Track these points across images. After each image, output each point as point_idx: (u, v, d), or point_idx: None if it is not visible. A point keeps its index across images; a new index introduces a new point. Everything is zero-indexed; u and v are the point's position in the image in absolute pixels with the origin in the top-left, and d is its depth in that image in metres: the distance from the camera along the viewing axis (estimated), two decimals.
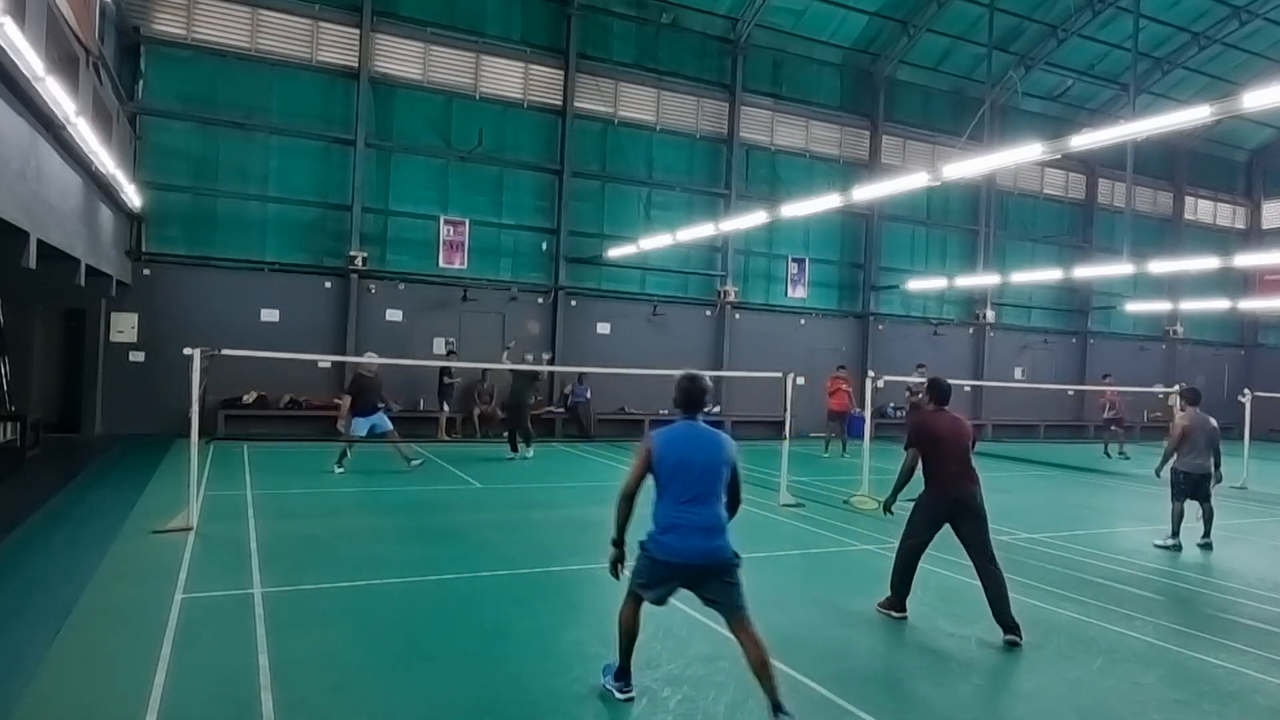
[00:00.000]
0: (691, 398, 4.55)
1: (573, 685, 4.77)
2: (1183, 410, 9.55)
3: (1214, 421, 9.28)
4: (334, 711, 4.31)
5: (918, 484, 6.29)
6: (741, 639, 4.35)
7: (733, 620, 4.39)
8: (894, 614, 6.23)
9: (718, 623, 5.85)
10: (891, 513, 6.57)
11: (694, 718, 4.41)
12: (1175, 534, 9.19)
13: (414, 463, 12.69)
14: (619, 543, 4.54)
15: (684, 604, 6.32)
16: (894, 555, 6.29)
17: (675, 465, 4.36)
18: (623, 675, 4.62)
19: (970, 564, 6.11)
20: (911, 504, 6.37)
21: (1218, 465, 9.32)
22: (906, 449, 6.32)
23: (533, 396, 16.20)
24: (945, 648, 5.66)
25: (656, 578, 4.45)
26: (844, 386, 17.75)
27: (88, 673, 4.72)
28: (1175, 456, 9.30)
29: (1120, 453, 19.82)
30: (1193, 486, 9.24)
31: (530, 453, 14.83)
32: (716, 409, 20.99)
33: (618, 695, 4.57)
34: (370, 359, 12.81)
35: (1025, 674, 5.23)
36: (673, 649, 5.41)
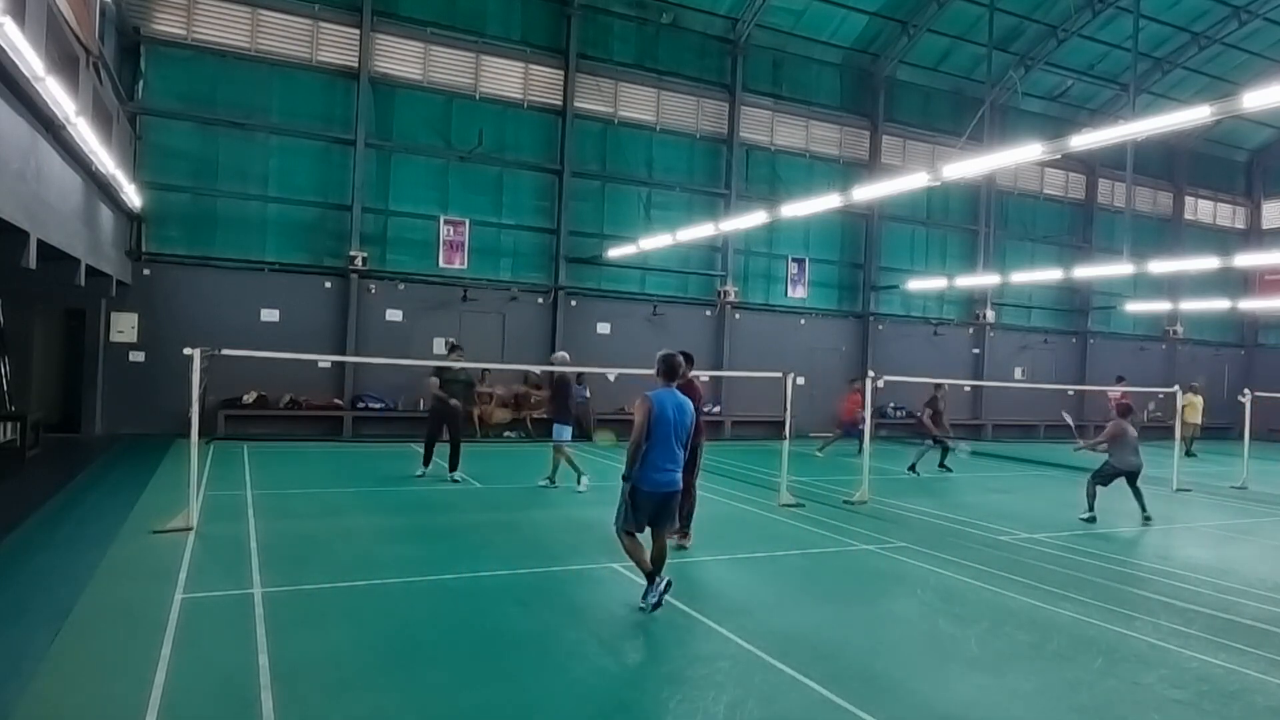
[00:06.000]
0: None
1: (573, 685, 4.77)
2: (1114, 419, 11.14)
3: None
4: (334, 711, 4.31)
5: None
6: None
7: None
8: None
9: (718, 622, 5.88)
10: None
11: (694, 718, 4.41)
12: (1090, 508, 10.75)
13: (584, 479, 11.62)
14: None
15: (684, 604, 6.35)
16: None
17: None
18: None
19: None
20: None
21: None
22: None
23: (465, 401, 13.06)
24: (945, 648, 5.66)
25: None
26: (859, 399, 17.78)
27: (88, 673, 4.72)
28: (1108, 454, 10.95)
29: None
30: (1125, 478, 10.85)
31: (418, 471, 12.11)
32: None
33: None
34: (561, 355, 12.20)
35: (1025, 674, 5.23)
36: (673, 649, 5.41)
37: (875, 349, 23.08)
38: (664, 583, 6.09)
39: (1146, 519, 10.69)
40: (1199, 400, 18.39)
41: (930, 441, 15.45)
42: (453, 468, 11.97)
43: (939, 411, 15.49)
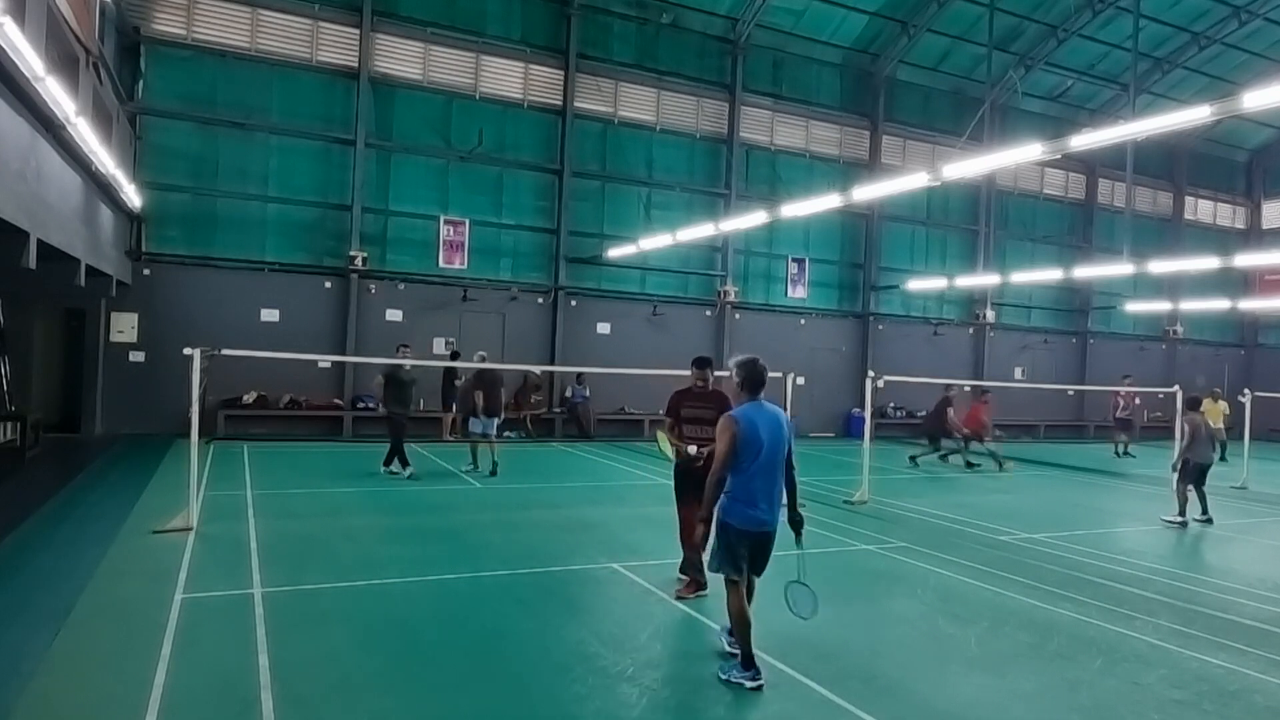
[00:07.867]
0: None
1: (573, 685, 4.77)
2: (1186, 415, 11.06)
3: (1212, 423, 10.91)
4: (334, 711, 4.31)
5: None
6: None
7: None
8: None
9: (717, 622, 5.87)
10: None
11: (694, 717, 4.41)
12: (1182, 513, 10.57)
13: (465, 469, 13.07)
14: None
15: (684, 604, 6.35)
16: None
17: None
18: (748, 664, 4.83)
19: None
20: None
21: (1223, 456, 11.02)
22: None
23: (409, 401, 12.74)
24: (945, 648, 5.66)
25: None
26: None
27: (88, 673, 4.72)
28: (1188, 450, 10.71)
29: (1125, 451, 19.96)
30: (1200, 474, 10.74)
31: (405, 473, 12.03)
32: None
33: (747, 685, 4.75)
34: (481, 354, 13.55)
35: (1025, 674, 5.23)
36: (673, 649, 5.41)
37: (875, 349, 23.07)
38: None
39: (1207, 520, 10.73)
40: (1219, 406, 18.40)
41: (952, 441, 16.80)
42: (387, 462, 12.30)
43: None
